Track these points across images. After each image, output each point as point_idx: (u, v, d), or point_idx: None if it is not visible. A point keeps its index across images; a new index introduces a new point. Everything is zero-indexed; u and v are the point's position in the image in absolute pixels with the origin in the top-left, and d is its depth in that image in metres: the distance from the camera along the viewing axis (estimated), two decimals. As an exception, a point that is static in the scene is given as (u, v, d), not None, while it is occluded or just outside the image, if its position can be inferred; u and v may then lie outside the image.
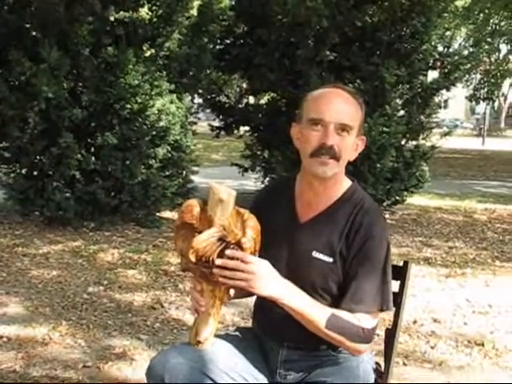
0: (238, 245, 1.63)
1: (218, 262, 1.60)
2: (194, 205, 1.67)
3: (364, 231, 1.81)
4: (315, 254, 1.83)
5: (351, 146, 1.83)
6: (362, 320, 1.78)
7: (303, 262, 1.85)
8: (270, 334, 1.97)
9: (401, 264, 2.14)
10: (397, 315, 2.09)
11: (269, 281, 1.67)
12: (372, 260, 1.81)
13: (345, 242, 1.82)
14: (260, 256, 1.70)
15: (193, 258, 1.61)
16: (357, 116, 1.83)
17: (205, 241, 1.60)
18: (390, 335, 2.09)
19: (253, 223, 1.68)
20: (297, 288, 1.74)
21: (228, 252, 1.61)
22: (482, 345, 3.85)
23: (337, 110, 1.78)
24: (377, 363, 2.06)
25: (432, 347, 3.80)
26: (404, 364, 3.51)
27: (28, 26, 6.66)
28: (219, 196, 1.60)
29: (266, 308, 1.89)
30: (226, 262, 1.61)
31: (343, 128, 1.78)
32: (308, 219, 1.89)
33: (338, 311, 1.77)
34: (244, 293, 1.93)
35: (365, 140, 1.90)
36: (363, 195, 1.91)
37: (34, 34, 6.62)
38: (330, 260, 1.82)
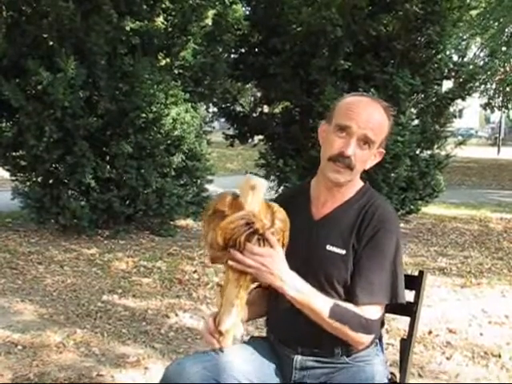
0: (265, 234, 1.66)
1: (248, 246, 1.64)
2: (227, 194, 1.72)
3: (375, 223, 1.85)
4: (329, 248, 1.87)
5: (368, 158, 1.88)
6: (367, 310, 1.81)
7: (318, 257, 1.88)
8: (283, 340, 1.96)
9: (416, 274, 2.13)
10: (412, 325, 2.08)
11: (277, 271, 1.70)
12: (382, 251, 1.84)
13: (356, 234, 1.86)
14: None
15: (221, 240, 1.63)
16: (383, 130, 1.87)
17: (233, 222, 1.62)
18: (406, 345, 2.07)
19: (282, 216, 1.72)
20: (300, 278, 1.76)
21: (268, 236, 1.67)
22: (499, 356, 3.81)
23: (365, 121, 1.81)
24: (392, 373, 2.04)
25: (448, 358, 3.77)
26: (419, 375, 3.49)
27: (45, 35, 6.72)
28: (252, 183, 1.65)
29: (279, 314, 1.91)
30: (253, 247, 1.65)
31: (366, 141, 1.82)
32: (322, 216, 1.93)
33: (341, 302, 1.80)
34: (260, 314, 2.02)
35: (383, 153, 1.94)
36: (375, 193, 1.97)
37: (50, 43, 6.68)
38: (343, 252, 1.85)
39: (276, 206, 1.72)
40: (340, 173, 1.83)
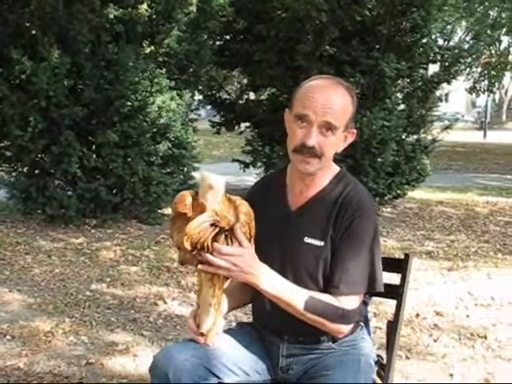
0: (232, 230, 1.64)
1: (216, 247, 1.61)
2: (186, 195, 1.69)
3: (351, 212, 1.82)
4: (307, 240, 1.85)
5: (336, 143, 1.82)
6: (344, 301, 1.79)
7: (296, 249, 1.86)
8: (269, 328, 1.97)
9: (402, 257, 2.15)
10: (398, 308, 2.09)
11: (249, 268, 1.68)
12: (359, 239, 1.81)
13: (333, 224, 1.83)
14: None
15: (188, 245, 1.60)
16: (346, 113, 1.80)
17: (197, 226, 1.59)
18: (392, 328, 2.09)
19: (245, 209, 1.68)
20: (274, 272, 1.75)
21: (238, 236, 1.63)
22: (485, 337, 3.85)
23: (323, 107, 1.75)
24: (379, 356, 2.06)
25: (435, 340, 3.81)
26: (407, 357, 3.52)
27: (28, 24, 6.65)
28: (209, 182, 1.62)
29: (263, 302, 1.89)
30: (221, 247, 1.61)
31: (328, 127, 1.76)
32: (299, 206, 1.91)
33: (317, 293, 1.79)
34: (240, 302, 2.02)
35: (355, 132, 1.89)
36: (351, 179, 1.92)
37: (33, 32, 6.61)
38: (321, 244, 1.83)
39: (238, 199, 1.69)
40: (308, 163, 1.79)
